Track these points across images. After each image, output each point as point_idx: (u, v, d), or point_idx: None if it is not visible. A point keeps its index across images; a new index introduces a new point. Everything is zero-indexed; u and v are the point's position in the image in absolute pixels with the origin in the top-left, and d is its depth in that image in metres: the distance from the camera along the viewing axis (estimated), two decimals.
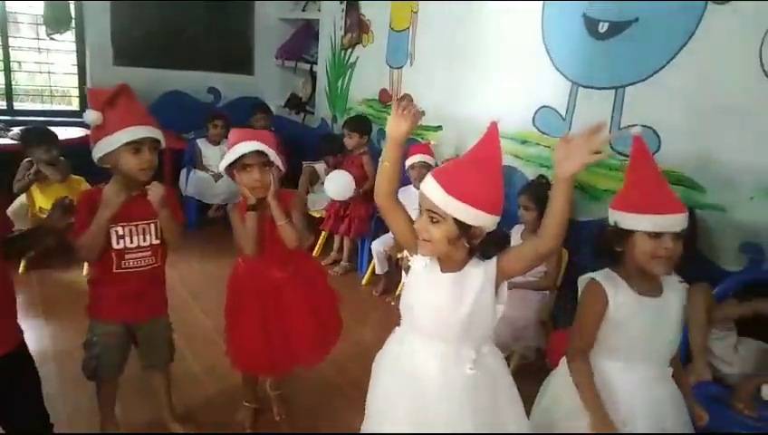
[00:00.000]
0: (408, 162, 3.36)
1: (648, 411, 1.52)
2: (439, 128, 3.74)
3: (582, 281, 1.60)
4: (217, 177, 4.56)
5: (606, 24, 2.66)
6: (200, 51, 5.40)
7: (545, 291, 2.78)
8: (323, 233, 4.12)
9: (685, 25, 2.35)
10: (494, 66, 3.28)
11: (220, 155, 4.70)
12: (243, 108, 5.34)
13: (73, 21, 4.92)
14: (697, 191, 2.37)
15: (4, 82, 4.78)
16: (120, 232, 1.88)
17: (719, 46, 2.27)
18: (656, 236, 1.47)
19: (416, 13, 3.86)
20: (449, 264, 1.45)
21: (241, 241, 2.02)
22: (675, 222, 1.47)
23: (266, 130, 2.22)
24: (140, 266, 1.94)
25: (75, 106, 5.21)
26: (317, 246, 4.18)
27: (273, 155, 1.99)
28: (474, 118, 3.42)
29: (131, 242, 1.91)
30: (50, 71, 5.08)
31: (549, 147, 2.89)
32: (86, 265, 3.42)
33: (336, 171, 3.82)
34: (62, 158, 3.51)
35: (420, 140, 3.84)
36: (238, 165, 1.97)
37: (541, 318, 2.73)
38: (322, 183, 4.38)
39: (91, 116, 1.79)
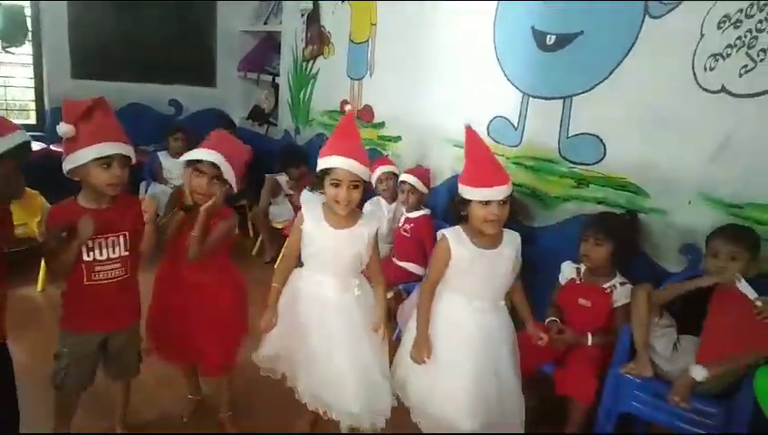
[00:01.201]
0: (375, 175, 3.40)
1: (480, 334, 1.98)
2: (399, 138, 3.81)
3: (438, 234, 2.05)
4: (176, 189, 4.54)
5: (553, 37, 2.77)
6: (161, 63, 5.38)
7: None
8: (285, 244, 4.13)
9: (625, 39, 2.47)
10: (450, 78, 3.36)
11: (181, 167, 4.71)
12: (205, 120, 5.35)
13: (30, 33, 4.87)
14: (641, 196, 2.48)
15: None
16: (90, 244, 1.89)
17: (656, 59, 2.38)
18: (486, 204, 1.89)
19: (374, 25, 3.94)
20: (343, 222, 1.97)
21: (163, 224, 2.05)
22: (499, 193, 1.88)
23: (245, 146, 2.23)
24: (110, 278, 1.95)
25: (32, 120, 5.13)
26: (280, 256, 4.18)
27: (228, 173, 2.02)
28: (431, 128, 3.50)
29: (101, 254, 1.92)
30: (6, 84, 5.00)
31: (503, 156, 2.98)
32: (40, 281, 3.42)
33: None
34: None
35: (382, 151, 3.91)
36: (192, 166, 2.02)
37: None
38: (285, 195, 4.42)
39: (63, 129, 1.80)
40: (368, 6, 3.99)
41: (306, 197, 3.56)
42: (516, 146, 2.97)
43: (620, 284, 2.38)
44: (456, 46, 3.32)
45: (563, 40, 2.73)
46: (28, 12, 4.83)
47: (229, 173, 2.01)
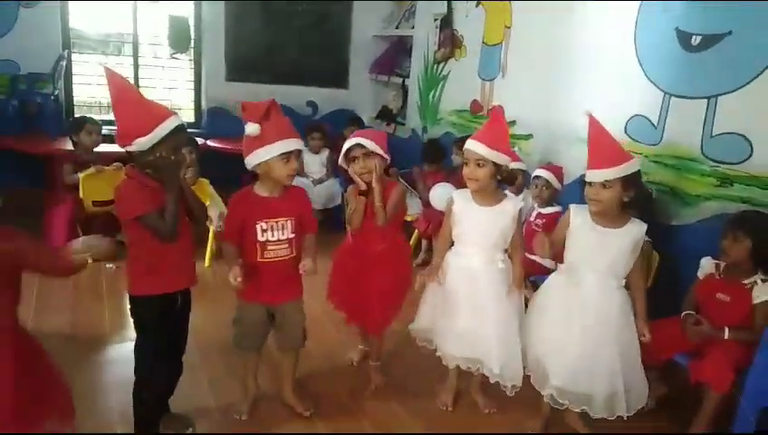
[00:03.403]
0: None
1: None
2: (530, 136, 3.94)
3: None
4: (317, 182, 4.95)
5: (699, 38, 2.79)
6: (301, 67, 5.86)
7: None
8: (414, 235, 4.38)
9: None
10: (586, 77, 3.45)
11: (320, 163, 5.12)
12: (338, 120, 5.75)
13: (192, 41, 5.51)
14: None
15: None
16: (264, 227, 2.17)
17: None
18: (589, 184, 2.13)
19: (508, 28, 4.09)
20: (488, 200, 2.28)
21: (349, 216, 2.48)
22: (593, 175, 2.11)
23: (378, 131, 2.62)
24: (279, 257, 2.23)
25: (191, 118, 5.77)
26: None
27: (372, 145, 2.39)
28: (564, 127, 3.60)
29: (273, 236, 2.19)
30: (171, 87, 5.68)
31: (641, 154, 3.03)
32: (207, 258, 3.90)
33: (442, 184, 4.04)
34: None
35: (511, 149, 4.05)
36: (348, 158, 2.43)
37: None
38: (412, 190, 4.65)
39: (252, 128, 2.06)
40: (502, 10, 4.15)
41: (440, 190, 3.81)
42: (656, 145, 3.01)
43: (762, 280, 2.36)
44: (594, 47, 3.39)
45: (710, 40, 2.74)
46: (191, 22, 5.48)
47: (372, 145, 2.39)
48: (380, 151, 2.41)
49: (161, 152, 1.92)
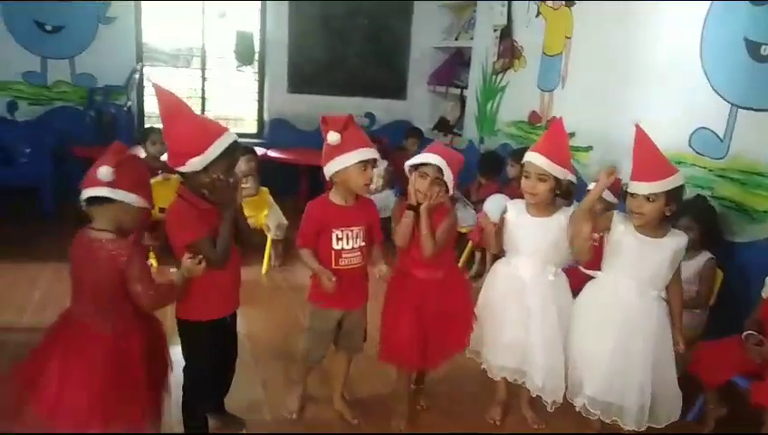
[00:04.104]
0: None
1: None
2: (589, 148, 3.85)
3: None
4: (372, 193, 4.99)
5: None
6: (359, 79, 5.97)
7: (696, 310, 2.78)
8: (467, 247, 4.35)
9: None
10: (648, 88, 3.35)
11: (376, 174, 5.16)
12: (395, 131, 5.81)
13: (257, 55, 5.71)
14: None
15: (200, 109, 5.64)
16: (339, 235, 2.21)
17: None
18: (632, 196, 2.09)
19: (569, 38, 4.03)
20: (542, 212, 2.24)
21: (395, 229, 2.31)
22: (637, 187, 2.08)
23: (460, 155, 2.37)
24: (352, 265, 2.24)
25: (251, 129, 5.96)
26: (462, 257, 4.42)
27: (447, 176, 2.22)
28: (625, 139, 3.49)
29: (347, 244, 2.22)
30: (235, 98, 5.90)
31: (705, 168, 2.91)
32: (265, 265, 4.01)
33: (497, 195, 4.00)
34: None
35: None
36: (419, 168, 2.24)
37: (691, 337, 2.73)
38: (465, 202, 4.62)
39: (333, 137, 2.10)
40: (563, 20, 4.10)
41: (495, 202, 3.77)
42: (721, 158, 2.89)
43: None
44: (657, 57, 3.30)
45: None
46: (257, 37, 5.68)
47: (448, 176, 2.23)
48: (450, 184, 2.24)
49: (216, 173, 1.85)
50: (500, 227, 2.37)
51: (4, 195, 4.49)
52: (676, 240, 2.13)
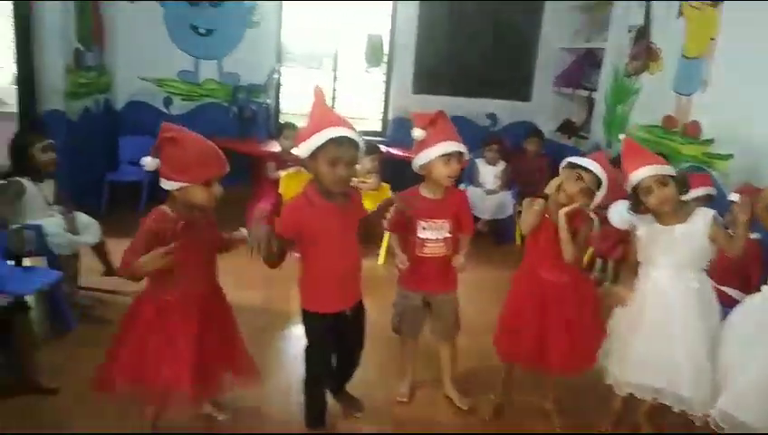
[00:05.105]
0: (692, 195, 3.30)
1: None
2: (729, 156, 3.60)
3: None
4: (489, 193, 5.01)
5: None
6: (484, 80, 5.97)
7: None
8: (589, 252, 4.22)
9: None
10: None
11: (494, 174, 5.17)
12: (517, 132, 5.76)
13: (385, 57, 5.92)
14: None
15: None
16: (424, 225, 2.36)
17: None
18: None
19: (713, 39, 3.79)
20: (674, 219, 2.15)
21: (523, 217, 2.32)
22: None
23: (615, 175, 2.30)
24: (435, 253, 2.39)
25: (376, 127, 6.16)
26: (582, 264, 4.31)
27: (599, 195, 2.21)
28: None
29: (432, 235, 2.37)
30: (363, 98, 6.16)
31: None
32: (381, 256, 4.18)
33: (621, 201, 3.86)
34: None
35: (705, 169, 3.74)
36: (576, 169, 2.22)
37: None
38: None
39: (417, 132, 2.28)
40: (708, 20, 3.85)
41: (620, 207, 3.64)
42: None
43: None
44: None
45: None
46: (386, 40, 5.88)
47: (601, 193, 2.21)
48: (597, 200, 2.24)
49: (321, 162, 1.91)
50: (633, 243, 2.26)
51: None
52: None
